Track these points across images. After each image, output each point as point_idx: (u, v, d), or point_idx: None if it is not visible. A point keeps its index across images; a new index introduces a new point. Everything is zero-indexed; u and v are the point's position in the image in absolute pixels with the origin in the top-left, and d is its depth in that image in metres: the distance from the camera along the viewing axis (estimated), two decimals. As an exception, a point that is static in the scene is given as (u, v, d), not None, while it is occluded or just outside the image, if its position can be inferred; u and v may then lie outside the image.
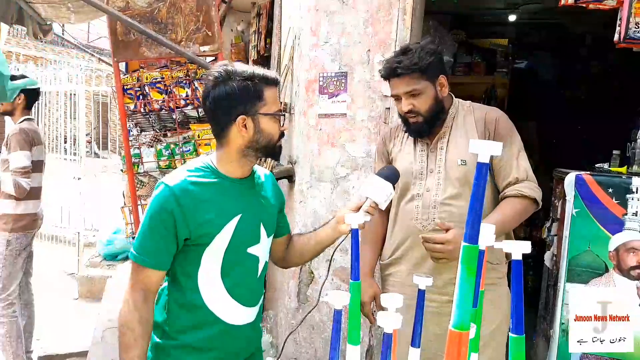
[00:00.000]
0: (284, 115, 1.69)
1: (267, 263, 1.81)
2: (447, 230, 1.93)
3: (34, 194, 3.70)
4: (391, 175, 1.81)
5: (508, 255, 2.17)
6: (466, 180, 2.05)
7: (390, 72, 2.07)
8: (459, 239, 1.91)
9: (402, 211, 2.17)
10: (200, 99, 3.26)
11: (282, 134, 1.70)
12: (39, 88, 4.03)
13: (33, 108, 4.34)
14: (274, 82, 1.66)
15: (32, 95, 3.90)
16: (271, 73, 1.67)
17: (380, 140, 2.38)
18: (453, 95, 2.20)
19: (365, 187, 1.76)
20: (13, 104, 3.75)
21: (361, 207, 1.72)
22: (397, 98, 2.10)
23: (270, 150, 1.69)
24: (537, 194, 2.04)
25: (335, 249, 1.85)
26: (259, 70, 1.64)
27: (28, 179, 3.56)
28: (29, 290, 3.96)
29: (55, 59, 14.39)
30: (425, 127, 2.09)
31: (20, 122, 3.75)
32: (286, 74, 3.39)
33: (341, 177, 2.92)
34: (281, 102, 3.10)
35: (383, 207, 1.75)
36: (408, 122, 2.11)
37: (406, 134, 2.24)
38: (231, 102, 1.60)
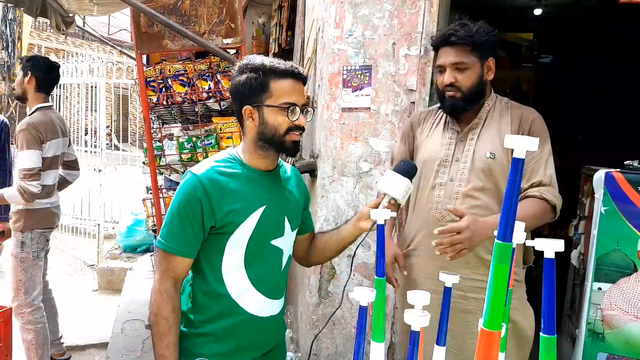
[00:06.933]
0: (297, 107, 1.62)
1: (290, 257, 1.80)
2: (460, 217, 1.83)
3: (46, 192, 3.37)
4: (408, 170, 1.76)
5: (526, 260, 2.12)
6: (491, 174, 2.01)
7: (443, 40, 2.03)
8: (475, 225, 1.85)
9: (421, 199, 2.13)
10: (223, 92, 3.28)
11: (295, 128, 1.62)
12: (52, 66, 3.51)
13: (53, 100, 4.09)
14: (285, 74, 1.60)
15: (44, 76, 3.43)
16: (283, 65, 1.61)
17: (408, 123, 2.33)
18: (492, 89, 2.15)
19: (382, 183, 1.72)
20: (22, 85, 3.39)
21: (380, 203, 1.68)
22: (441, 70, 2.06)
23: (277, 143, 1.62)
24: (558, 202, 1.97)
25: (358, 245, 1.82)
26: (269, 62, 1.60)
27: (38, 180, 3.21)
28: (47, 289, 3.70)
29: (77, 51, 14.53)
30: (461, 105, 2.04)
31: (32, 112, 3.36)
32: (309, 67, 3.37)
33: (364, 171, 2.89)
34: (308, 97, 3.06)
35: (402, 202, 1.70)
36: (444, 97, 2.06)
37: (436, 121, 2.19)
38: (239, 94, 1.62)
